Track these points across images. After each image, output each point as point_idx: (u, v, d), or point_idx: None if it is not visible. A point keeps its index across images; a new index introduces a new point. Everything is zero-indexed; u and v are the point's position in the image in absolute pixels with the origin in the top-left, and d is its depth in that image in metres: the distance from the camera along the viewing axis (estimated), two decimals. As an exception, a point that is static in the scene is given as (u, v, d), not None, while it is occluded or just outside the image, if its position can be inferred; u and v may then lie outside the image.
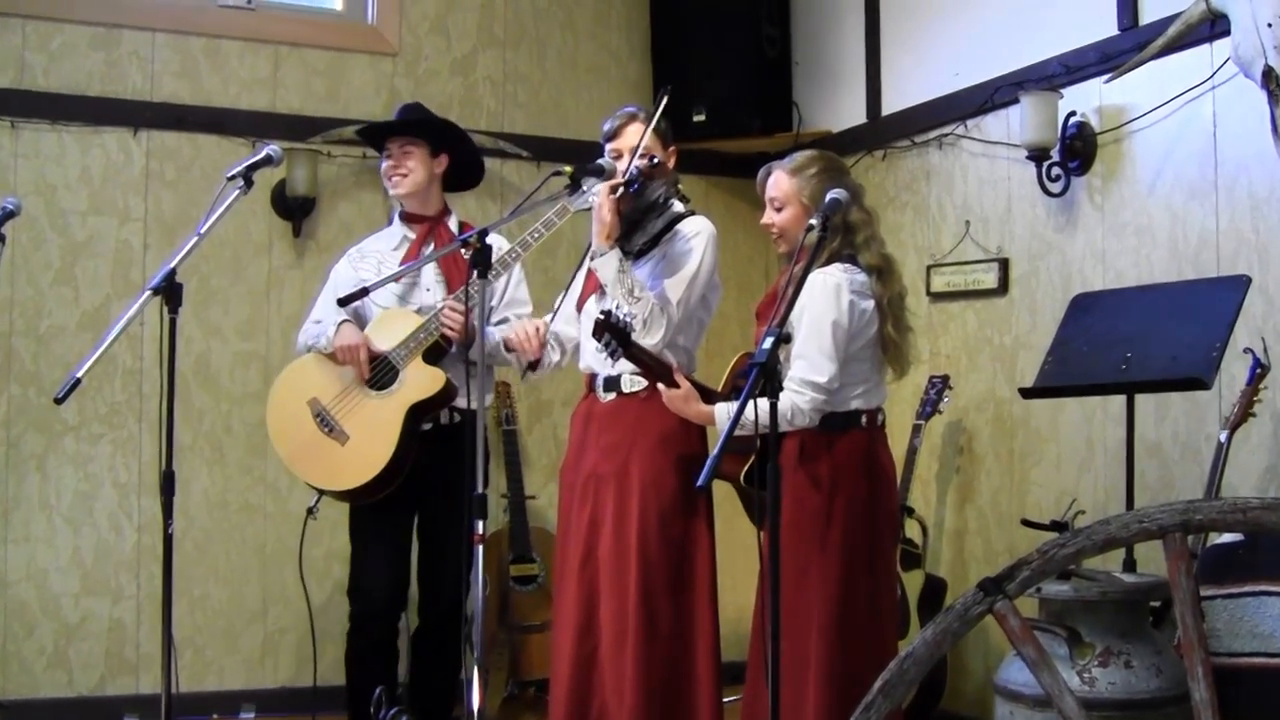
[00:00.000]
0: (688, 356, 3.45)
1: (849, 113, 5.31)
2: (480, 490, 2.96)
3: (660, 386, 3.22)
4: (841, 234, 3.18)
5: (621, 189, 3.27)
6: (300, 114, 5.09)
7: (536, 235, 3.76)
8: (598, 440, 3.43)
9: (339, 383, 3.84)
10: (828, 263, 3.17)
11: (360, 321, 3.96)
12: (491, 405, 5.08)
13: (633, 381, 3.41)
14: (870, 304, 3.17)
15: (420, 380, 3.80)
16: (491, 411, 5.08)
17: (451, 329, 3.78)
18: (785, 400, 3.08)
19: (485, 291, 3.10)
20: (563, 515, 3.52)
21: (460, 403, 3.91)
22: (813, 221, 2.97)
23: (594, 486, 3.42)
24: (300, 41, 5.12)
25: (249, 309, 5.00)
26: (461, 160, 4.08)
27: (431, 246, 3.97)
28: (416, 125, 4.03)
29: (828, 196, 3.07)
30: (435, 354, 3.84)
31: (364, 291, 3.30)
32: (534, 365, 3.41)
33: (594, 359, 3.48)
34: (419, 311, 3.89)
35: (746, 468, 3.28)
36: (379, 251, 4.05)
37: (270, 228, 5.05)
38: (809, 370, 3.10)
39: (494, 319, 3.97)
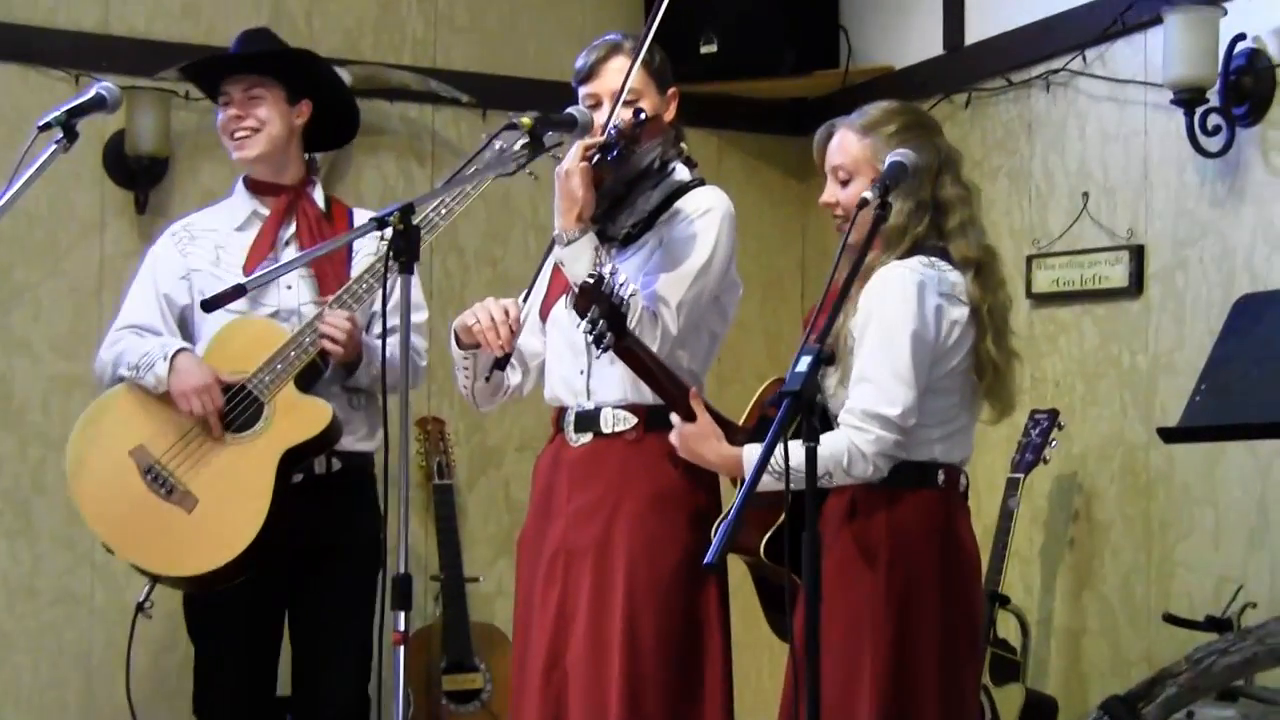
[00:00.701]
0: (695, 382, 3.47)
1: (919, 41, 5.34)
2: (402, 569, 2.95)
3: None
4: (929, 215, 3.23)
5: (597, 155, 3.27)
6: (145, 38, 5.09)
7: (446, 212, 3.80)
8: (569, 500, 3.44)
9: (175, 424, 3.82)
10: (909, 254, 3.19)
11: (188, 335, 3.95)
12: (417, 451, 5.08)
13: (616, 417, 3.42)
14: (964, 313, 3.21)
15: (296, 416, 3.80)
16: (416, 460, 5.07)
17: (337, 342, 3.79)
18: (839, 440, 3.11)
19: (408, 290, 3.09)
20: (520, 604, 3.52)
21: (353, 442, 3.91)
22: (867, 194, 2.99)
23: (563, 564, 3.42)
24: (145, -65, 5.14)
25: (70, 314, 5.01)
26: (328, 106, 4.10)
27: (294, 227, 3.99)
28: (266, 59, 4.03)
29: (888, 159, 3.09)
30: (309, 379, 3.86)
31: (239, 290, 3.26)
32: (501, 363, 3.41)
33: (563, 386, 3.49)
34: (276, 317, 3.90)
35: (769, 535, 3.29)
36: (215, 230, 4.05)
37: (103, 198, 5.06)
38: (877, 399, 3.11)
39: (374, 330, 3.98)
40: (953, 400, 3.22)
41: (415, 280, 3.89)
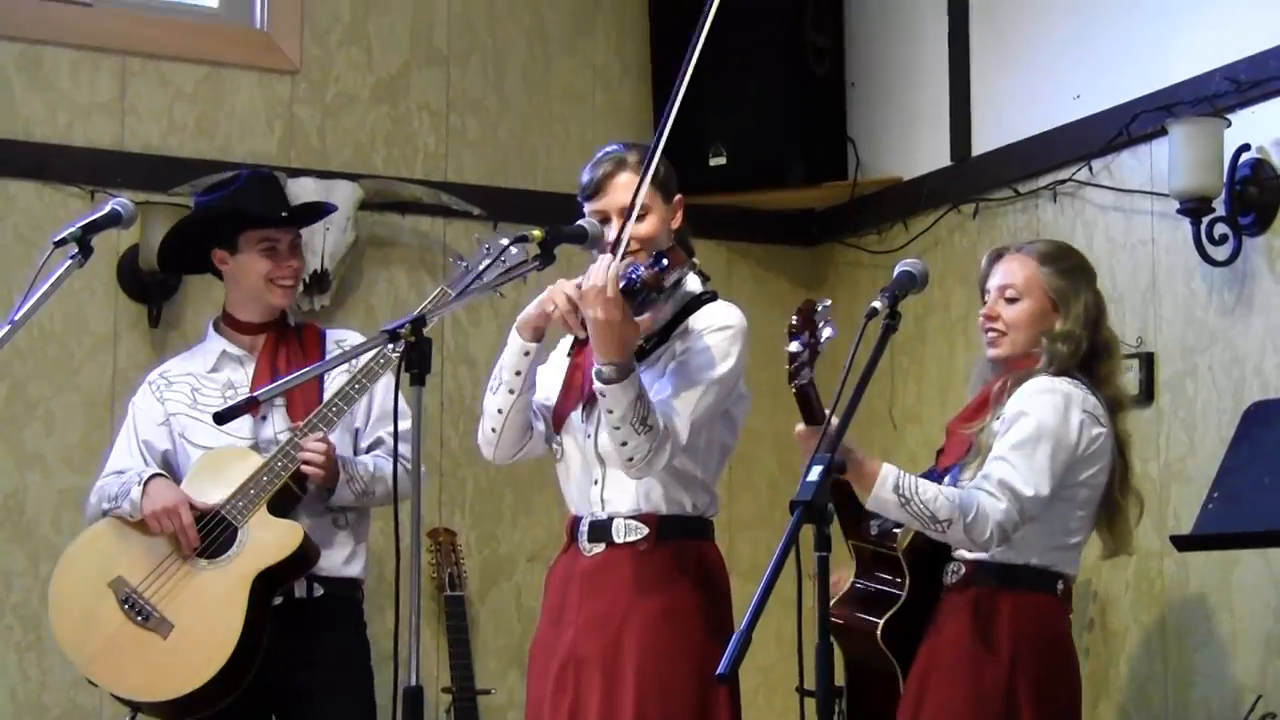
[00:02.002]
0: (708, 495, 3.48)
1: (927, 152, 5.41)
2: (413, 681, 2.95)
3: (801, 427, 3.34)
4: (1084, 351, 3.55)
5: (629, 295, 3.25)
6: (160, 154, 5.17)
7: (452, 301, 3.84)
8: (580, 609, 3.43)
9: (154, 553, 3.87)
10: (1055, 374, 3.52)
11: (174, 478, 4.00)
12: (428, 562, 5.09)
13: (628, 527, 3.42)
14: (1103, 433, 3.51)
15: (267, 539, 3.85)
16: (428, 571, 5.07)
17: (316, 466, 3.84)
18: (970, 496, 3.33)
19: (420, 401, 3.11)
20: (531, 714, 3.51)
21: (339, 566, 3.95)
22: (876, 304, 3.07)
23: (574, 674, 3.41)
24: (160, 52, 5.22)
25: (83, 428, 5.03)
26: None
27: (283, 358, 4.04)
28: (313, 213, 4.19)
29: (896, 269, 3.19)
30: (285, 503, 3.90)
31: (252, 402, 3.28)
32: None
33: (578, 495, 3.50)
34: (254, 448, 3.96)
35: (889, 617, 3.45)
36: (190, 374, 4.12)
37: (116, 313, 5.11)
38: (1014, 475, 3.38)
39: (363, 443, 4.06)
40: (1077, 513, 3.49)
41: (392, 385, 3.96)
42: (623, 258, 3.28)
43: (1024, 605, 3.47)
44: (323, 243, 5.08)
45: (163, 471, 3.95)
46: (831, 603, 3.53)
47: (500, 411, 3.43)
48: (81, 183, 5.03)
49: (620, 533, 3.42)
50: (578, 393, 3.48)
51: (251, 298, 4.08)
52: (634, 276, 3.21)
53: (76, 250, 3.26)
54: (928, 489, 3.31)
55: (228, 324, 4.14)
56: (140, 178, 5.06)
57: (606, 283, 3.18)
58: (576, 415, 3.48)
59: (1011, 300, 3.58)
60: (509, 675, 5.23)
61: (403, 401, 3.97)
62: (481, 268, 3.68)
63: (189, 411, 4.03)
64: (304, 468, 3.85)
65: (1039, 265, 3.59)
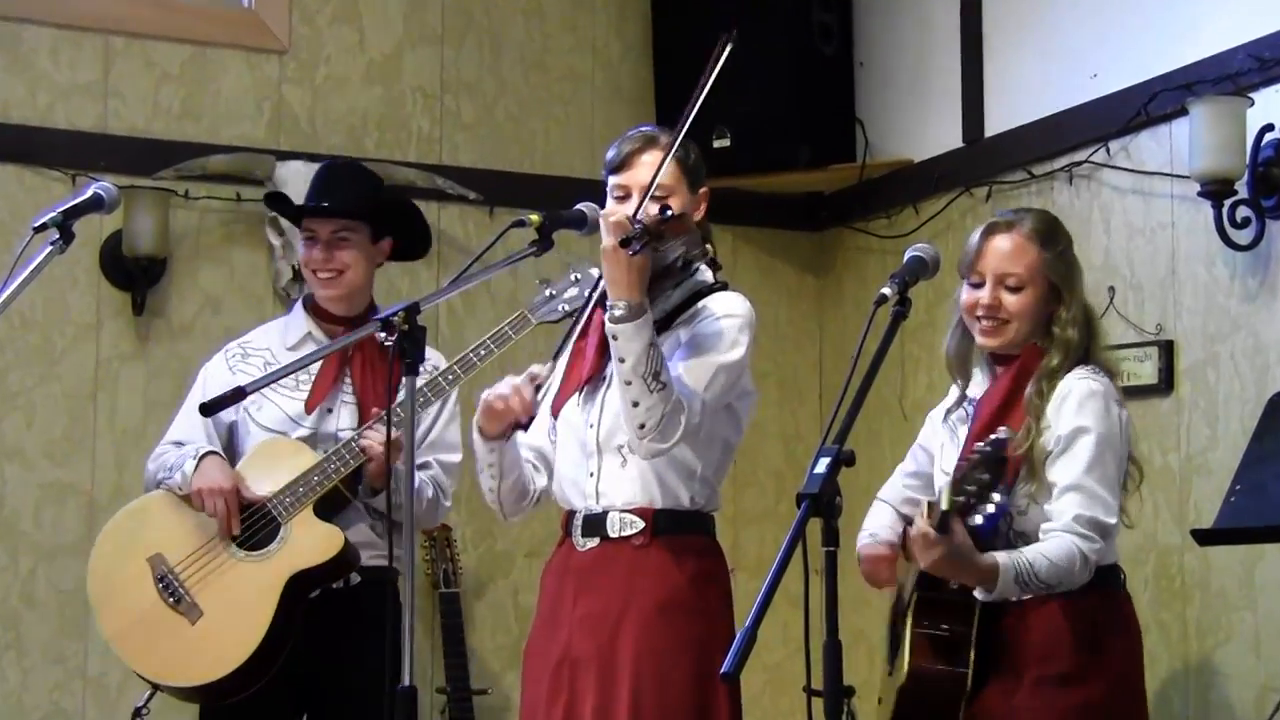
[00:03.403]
0: (708, 489, 3.47)
1: (938, 133, 5.40)
2: (406, 682, 2.94)
3: (914, 527, 3.25)
4: (1085, 331, 3.49)
5: (625, 243, 3.26)
6: (144, 136, 5.16)
7: (485, 353, 3.85)
8: (575, 607, 3.44)
9: (196, 535, 3.91)
10: (1069, 367, 3.44)
11: (233, 453, 4.04)
12: (423, 558, 5.08)
13: (623, 521, 3.42)
14: (1127, 413, 3.48)
15: (308, 540, 3.88)
16: (423, 567, 5.07)
17: (369, 456, 3.87)
18: (1063, 549, 3.28)
19: (414, 394, 3.11)
20: (525, 716, 3.52)
21: (368, 558, 3.95)
22: (885, 291, 3.05)
23: (569, 674, 3.41)
24: (144, 31, 5.21)
25: (65, 420, 5.03)
26: (405, 234, 4.21)
27: (349, 364, 4.06)
28: (363, 204, 4.12)
29: (907, 254, 3.19)
30: (333, 505, 3.93)
31: (239, 393, 3.33)
32: (525, 424, 3.41)
33: (572, 488, 3.50)
34: (313, 439, 3.98)
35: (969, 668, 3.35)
36: (267, 349, 4.14)
37: (99, 300, 5.10)
38: (1095, 508, 3.33)
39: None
40: (1120, 503, 3.46)
41: (456, 423, 4.03)
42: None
43: (1114, 604, 3.45)
44: (312, 228, 5.06)
45: (218, 450, 3.98)
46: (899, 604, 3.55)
47: (491, 490, 3.54)
48: (63, 166, 5.02)
49: (615, 527, 3.43)
50: (577, 379, 3.49)
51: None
52: (636, 225, 3.26)
53: (57, 236, 3.25)
54: (1038, 563, 3.25)
55: (315, 310, 4.15)
56: (124, 161, 5.05)
57: (618, 211, 3.31)
58: (572, 406, 3.48)
59: (1014, 289, 3.47)
60: (506, 675, 5.22)
61: (456, 433, 4.06)
62: (566, 296, 3.79)
63: (266, 391, 4.02)
64: (367, 447, 3.85)
65: (1040, 250, 3.48)
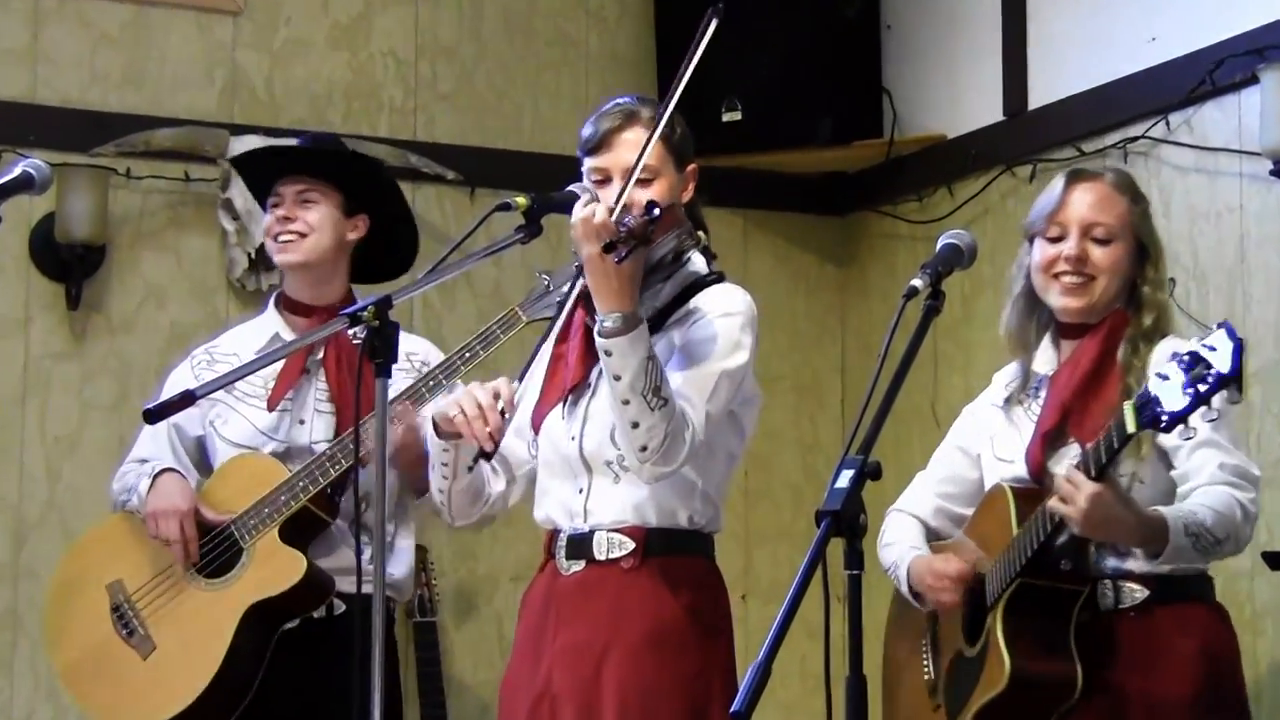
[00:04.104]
0: (709, 507, 3.47)
1: (976, 105, 5.42)
2: (377, 721, 2.95)
3: (1064, 478, 3.23)
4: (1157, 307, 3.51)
5: (609, 249, 3.24)
6: (80, 108, 5.17)
7: (470, 355, 3.87)
8: (557, 636, 3.44)
9: (157, 561, 3.94)
10: (1164, 331, 3.49)
11: (207, 472, 4.07)
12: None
13: (611, 542, 3.41)
14: None
15: (269, 567, 3.90)
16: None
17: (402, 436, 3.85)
18: (1221, 498, 3.29)
19: (384, 396, 3.12)
20: (499, 763, 3.54)
21: (342, 585, 3.95)
22: (916, 283, 3.06)
23: (548, 712, 3.42)
24: (80, -11, 5.21)
25: (-9, 428, 5.04)
26: (385, 230, 4.19)
27: (320, 354, 4.07)
28: (331, 158, 4.14)
29: (941, 241, 3.20)
30: (307, 528, 3.94)
31: (187, 398, 3.31)
32: (488, 454, 3.38)
33: (558, 507, 3.49)
34: (286, 455, 3.99)
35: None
36: (236, 355, 4.13)
37: (29, 292, 5.11)
38: (1236, 456, 3.36)
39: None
40: None
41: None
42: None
43: (1217, 615, 3.47)
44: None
45: (177, 467, 4.00)
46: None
47: (441, 491, 3.52)
48: (-13, 142, 5.02)
49: (602, 548, 3.42)
50: (559, 389, 3.48)
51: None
52: (621, 229, 3.20)
53: (-18, 220, 3.28)
54: (1201, 513, 3.25)
55: (285, 303, 4.18)
56: (56, 135, 5.06)
57: (595, 212, 3.21)
58: (555, 419, 3.48)
59: (1102, 241, 3.48)
60: (488, 715, 5.23)
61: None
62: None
63: (225, 398, 4.04)
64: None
65: (1131, 204, 3.52)
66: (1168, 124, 4.77)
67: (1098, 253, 3.47)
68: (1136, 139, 4.85)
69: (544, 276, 3.91)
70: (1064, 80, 5.13)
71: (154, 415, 3.54)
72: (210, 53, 5.31)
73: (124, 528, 4.00)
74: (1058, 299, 3.49)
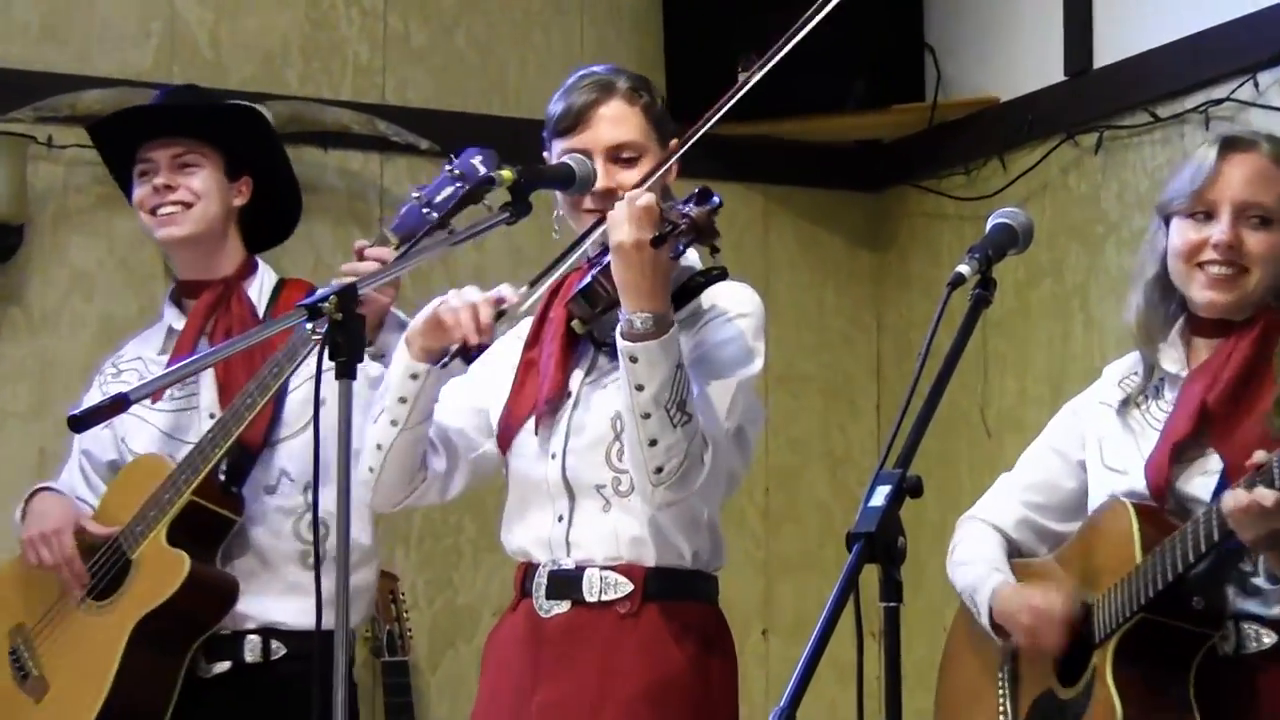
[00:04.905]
0: (711, 542, 3.46)
1: (1033, 64, 5.43)
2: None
3: (1238, 494, 3.18)
4: None
5: (659, 241, 3.23)
6: (-7, 66, 5.17)
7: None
8: (535, 691, 3.43)
9: (49, 592, 3.99)
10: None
11: None
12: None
13: (604, 581, 3.41)
14: None
15: (154, 573, 3.90)
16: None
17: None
18: None
19: (348, 403, 3.12)
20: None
21: (282, 617, 3.98)
22: (963, 269, 3.04)
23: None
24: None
25: (-110, 438, 5.05)
26: (269, 191, 4.22)
27: (213, 327, 4.09)
28: (204, 114, 4.16)
29: (992, 220, 3.19)
30: (201, 529, 3.93)
31: (120, 403, 3.31)
32: (469, 354, 3.33)
33: (531, 538, 3.48)
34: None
35: None
36: (139, 359, 4.20)
37: (-65, 282, 5.12)
38: None
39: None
40: None
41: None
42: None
43: None
44: (206, 184, 5.10)
45: (54, 485, 4.05)
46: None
47: (379, 447, 3.43)
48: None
49: (594, 588, 3.40)
50: (530, 401, 3.46)
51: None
52: (683, 220, 3.18)
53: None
54: None
55: (180, 289, 4.22)
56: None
57: (640, 196, 3.20)
58: (528, 434, 3.47)
59: (1261, 224, 3.41)
60: (469, 770, 5.25)
61: None
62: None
63: (134, 408, 4.05)
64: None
65: None
66: (1256, 84, 4.78)
67: (1254, 239, 3.40)
68: (1220, 102, 4.86)
69: (415, 193, 3.83)
70: (1135, 36, 5.13)
71: (80, 423, 3.53)
72: (145, 4, 5.32)
73: (21, 565, 4.04)
74: (1201, 292, 3.42)
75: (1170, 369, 3.49)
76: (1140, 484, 3.42)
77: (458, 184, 3.63)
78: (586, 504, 3.40)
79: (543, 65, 5.63)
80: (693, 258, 3.45)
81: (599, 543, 3.40)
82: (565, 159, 3.43)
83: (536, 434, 3.44)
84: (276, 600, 3.99)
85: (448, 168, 3.72)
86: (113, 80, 5.22)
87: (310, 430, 3.91)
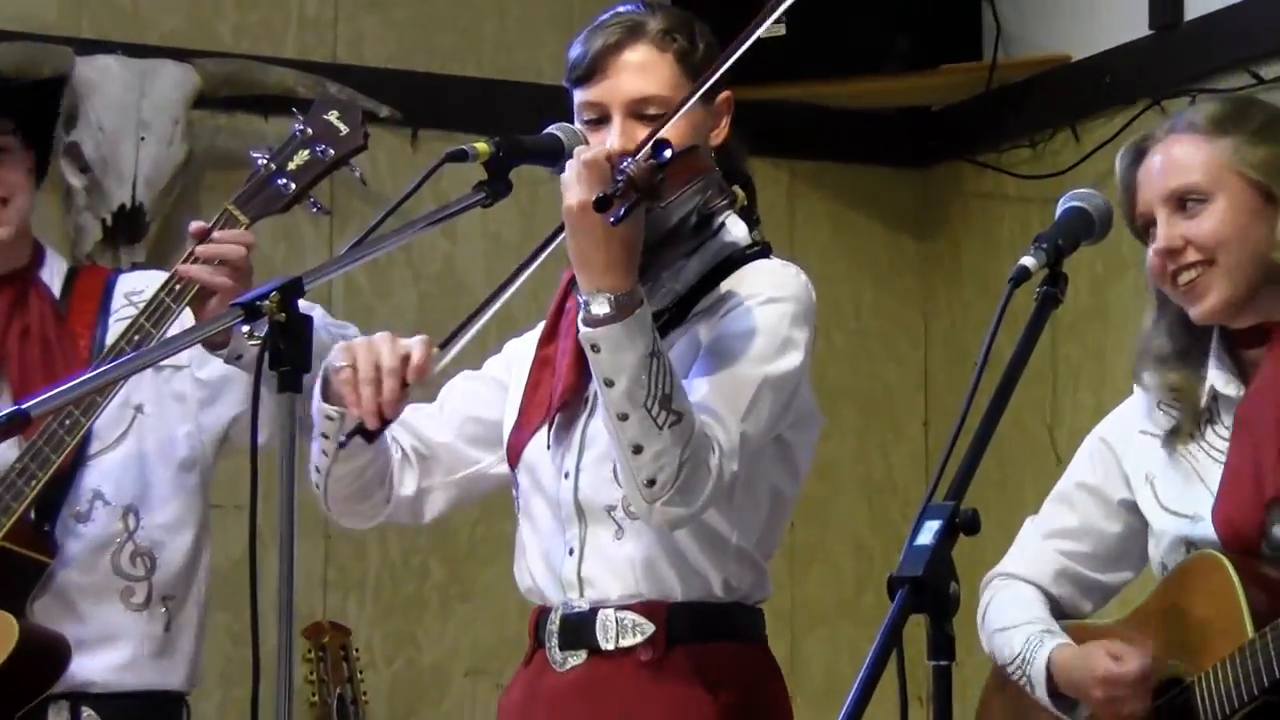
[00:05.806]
0: (751, 570, 3.47)
1: (1112, 18, 5.46)
2: None
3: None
4: None
5: (601, 204, 3.23)
6: None
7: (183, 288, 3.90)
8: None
9: None
10: None
11: None
12: (305, 677, 5.08)
13: (621, 624, 3.42)
14: None
15: None
16: (303, 692, 5.08)
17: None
18: None
19: (292, 417, 3.11)
20: None
21: (93, 675, 3.99)
22: (1028, 262, 3.04)
23: None
24: None
25: None
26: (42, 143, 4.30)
27: (17, 329, 4.13)
28: (22, 95, 4.27)
29: (1063, 205, 3.20)
30: (11, 577, 3.93)
31: (17, 419, 3.34)
32: (368, 433, 3.32)
33: (544, 571, 3.50)
34: None
35: None
36: None
37: None
38: None
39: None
40: None
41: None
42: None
43: None
44: (134, 161, 5.13)
45: None
46: None
47: (318, 470, 3.44)
48: None
49: (609, 633, 3.41)
50: (542, 408, 3.48)
51: None
52: (619, 178, 3.16)
53: None
54: None
55: None
56: None
57: (587, 151, 3.22)
58: (537, 447, 3.49)
59: (1194, 204, 3.43)
60: None
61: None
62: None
63: None
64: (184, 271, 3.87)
65: (1223, 138, 3.42)
66: (1377, 42, 4.80)
67: (1193, 226, 3.41)
68: (1335, 60, 4.88)
69: (259, 156, 3.87)
70: (1231, -16, 5.16)
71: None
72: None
73: None
74: (1190, 308, 3.44)
75: (1226, 391, 3.48)
76: (1209, 530, 3.42)
77: (316, 146, 3.66)
78: (598, 531, 3.40)
79: (526, 18, 5.65)
80: (736, 232, 3.46)
81: (613, 578, 3.41)
82: (552, 129, 3.41)
83: (549, 448, 3.45)
84: (88, 656, 3.98)
85: (297, 126, 3.77)
86: (12, 34, 5.22)
87: (129, 442, 3.99)
